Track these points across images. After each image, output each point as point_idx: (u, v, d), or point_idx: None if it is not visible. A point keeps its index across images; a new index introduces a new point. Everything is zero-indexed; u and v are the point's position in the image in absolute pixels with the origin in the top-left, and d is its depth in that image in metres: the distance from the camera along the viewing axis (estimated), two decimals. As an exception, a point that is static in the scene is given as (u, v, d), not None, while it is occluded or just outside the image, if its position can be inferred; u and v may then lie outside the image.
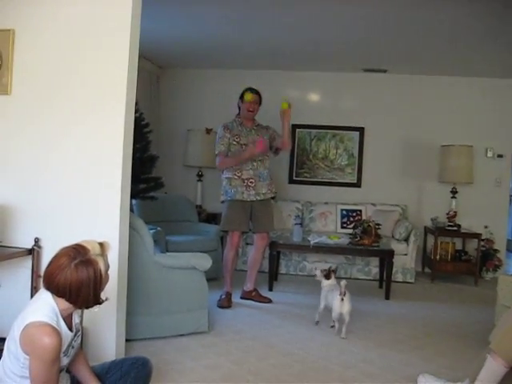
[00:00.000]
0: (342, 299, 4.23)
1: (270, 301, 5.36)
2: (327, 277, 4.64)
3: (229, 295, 5.24)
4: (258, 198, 5.23)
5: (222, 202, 5.33)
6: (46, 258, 3.08)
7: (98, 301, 2.25)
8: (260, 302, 5.33)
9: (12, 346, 2.13)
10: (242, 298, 5.42)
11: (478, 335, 4.39)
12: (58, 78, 3.36)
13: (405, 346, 4.19)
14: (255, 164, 5.20)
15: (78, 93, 3.34)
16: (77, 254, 2.17)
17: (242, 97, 5.28)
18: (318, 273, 4.75)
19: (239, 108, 5.34)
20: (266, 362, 3.70)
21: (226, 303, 5.14)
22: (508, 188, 7.85)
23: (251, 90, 5.27)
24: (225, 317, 4.78)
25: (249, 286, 5.45)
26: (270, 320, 4.79)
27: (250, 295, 5.41)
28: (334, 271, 4.72)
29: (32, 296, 3.13)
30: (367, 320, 4.88)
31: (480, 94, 7.52)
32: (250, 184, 5.18)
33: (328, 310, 4.48)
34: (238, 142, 5.18)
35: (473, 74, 7.33)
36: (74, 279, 2.13)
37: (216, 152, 5.25)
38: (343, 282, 4.25)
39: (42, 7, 3.36)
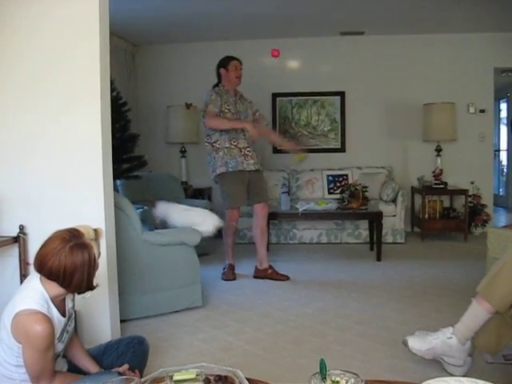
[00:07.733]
0: None
1: (287, 278, 5.07)
2: None
3: (232, 267, 5.22)
4: (256, 167, 5.10)
5: (218, 175, 5.04)
6: (33, 245, 3.07)
7: (90, 286, 2.22)
8: (277, 280, 5.05)
9: (4, 335, 2.10)
10: (255, 277, 5.19)
11: (471, 290, 4.31)
12: (36, 69, 3.26)
13: (400, 305, 4.22)
14: (246, 134, 5.02)
15: (53, 80, 3.25)
16: (72, 237, 2.13)
17: (224, 65, 5.14)
18: None
19: (219, 77, 5.19)
20: (262, 331, 3.71)
21: (230, 275, 5.14)
22: (491, 143, 7.88)
23: (233, 57, 5.18)
24: (219, 290, 4.78)
25: (263, 264, 5.18)
26: (264, 290, 4.79)
27: (266, 273, 5.14)
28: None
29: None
30: (361, 282, 4.92)
31: (459, 50, 7.48)
32: (247, 153, 5.04)
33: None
34: (229, 110, 5.03)
35: (450, 31, 7.28)
36: (69, 262, 2.09)
37: (205, 109, 4.98)
38: None
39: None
